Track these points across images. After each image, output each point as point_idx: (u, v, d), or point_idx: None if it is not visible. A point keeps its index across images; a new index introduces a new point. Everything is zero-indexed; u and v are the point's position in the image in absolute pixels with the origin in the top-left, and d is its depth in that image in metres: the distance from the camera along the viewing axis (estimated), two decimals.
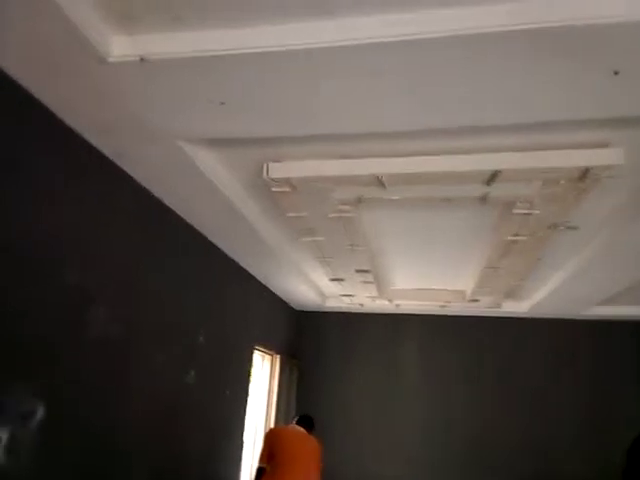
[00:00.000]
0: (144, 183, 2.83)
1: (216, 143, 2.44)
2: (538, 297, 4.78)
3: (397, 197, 2.68)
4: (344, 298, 5.36)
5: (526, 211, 2.71)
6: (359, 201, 2.79)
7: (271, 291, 5.35)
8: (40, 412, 2.13)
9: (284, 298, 5.74)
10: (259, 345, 4.97)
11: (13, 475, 1.98)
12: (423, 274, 4.59)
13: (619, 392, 5.25)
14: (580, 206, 2.67)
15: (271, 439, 3.63)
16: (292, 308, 6.17)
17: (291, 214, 3.04)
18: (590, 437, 5.14)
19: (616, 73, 1.71)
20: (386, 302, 5.34)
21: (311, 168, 2.52)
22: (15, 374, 2.01)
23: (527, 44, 1.58)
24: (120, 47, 1.75)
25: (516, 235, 3.08)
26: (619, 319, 5.27)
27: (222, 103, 1.97)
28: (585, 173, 2.26)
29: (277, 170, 2.57)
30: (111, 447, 2.58)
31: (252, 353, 4.79)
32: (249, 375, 4.70)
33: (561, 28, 1.51)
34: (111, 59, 1.74)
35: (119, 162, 2.58)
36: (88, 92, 1.97)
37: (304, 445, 3.62)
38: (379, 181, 2.51)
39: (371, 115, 2.05)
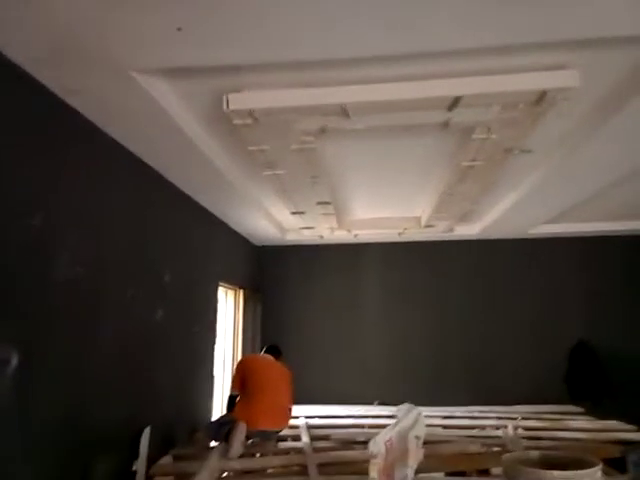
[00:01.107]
0: (98, 122, 2.69)
1: (173, 74, 2.31)
2: (489, 219, 5.02)
3: (361, 126, 2.67)
4: (304, 231, 5.42)
5: (484, 135, 2.78)
6: (322, 131, 2.76)
7: (232, 228, 5.33)
8: (14, 359, 2.11)
9: (244, 234, 5.74)
10: (223, 281, 5.02)
11: None
12: (382, 203, 4.69)
13: (562, 302, 5.74)
14: (535, 130, 2.76)
15: (242, 367, 3.77)
16: (253, 244, 6.19)
17: (252, 147, 2.97)
18: (537, 344, 5.65)
19: None
20: (345, 232, 5.45)
21: (274, 98, 2.44)
22: None
23: None
24: None
25: (473, 160, 3.17)
26: (564, 236, 5.65)
27: (179, 29, 1.86)
28: (542, 96, 2.32)
29: (238, 101, 2.47)
30: (90, 383, 2.63)
31: (217, 289, 4.84)
32: (215, 310, 4.77)
33: None
34: None
35: (71, 101, 2.42)
36: (34, 20, 1.80)
37: (274, 371, 3.80)
38: (343, 110, 2.48)
39: (332, 40, 2.00)
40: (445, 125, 2.64)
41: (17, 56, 2.04)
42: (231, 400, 3.70)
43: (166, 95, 2.48)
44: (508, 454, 2.70)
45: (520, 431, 3.79)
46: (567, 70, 2.26)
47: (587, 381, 5.37)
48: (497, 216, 4.78)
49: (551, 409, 4.96)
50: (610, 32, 1.98)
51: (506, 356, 5.69)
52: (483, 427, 4.12)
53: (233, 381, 3.78)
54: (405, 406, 2.89)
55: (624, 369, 5.30)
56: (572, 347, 5.55)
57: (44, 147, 2.32)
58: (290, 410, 3.79)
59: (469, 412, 4.85)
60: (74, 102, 2.47)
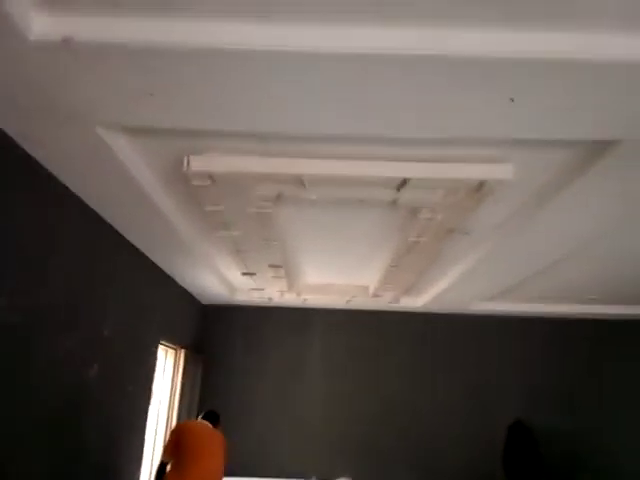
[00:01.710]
0: (51, 168, 2.68)
1: (136, 132, 2.38)
2: (432, 293, 5.21)
3: (315, 196, 2.81)
4: (253, 292, 5.42)
5: (429, 216, 2.98)
6: (278, 198, 2.87)
7: (178, 284, 5.24)
8: None
9: (192, 291, 5.65)
10: (164, 339, 4.86)
11: None
12: (332, 270, 4.80)
13: (498, 380, 5.90)
14: (476, 213, 2.99)
15: (177, 434, 3.59)
16: (199, 302, 6.08)
17: (209, 208, 3.04)
18: (474, 420, 5.72)
19: (512, 100, 1.98)
20: (294, 296, 5.48)
21: (234, 163, 2.55)
22: None
23: (442, 70, 1.78)
24: (43, 26, 1.66)
25: (419, 236, 3.36)
26: (504, 314, 5.91)
27: (151, 94, 1.95)
28: (481, 185, 2.55)
29: (198, 163, 2.56)
30: (12, 442, 2.44)
31: (157, 348, 4.67)
32: (153, 370, 4.58)
33: (468, 58, 1.73)
34: (32, 37, 1.66)
35: (28, 148, 2.42)
36: (4, 73, 1.85)
37: (210, 440, 3.64)
38: (299, 180, 2.62)
39: (287, 117, 2.14)
40: (393, 203, 2.82)
41: None
42: (161, 468, 3.49)
43: (127, 151, 2.53)
44: None
45: None
46: (502, 164, 2.51)
47: (523, 461, 5.43)
48: (439, 291, 4.99)
49: None
50: (541, 135, 2.24)
51: (443, 431, 5.71)
52: None
53: (165, 448, 3.58)
54: None
55: (559, 449, 5.43)
56: (509, 425, 5.65)
57: None
58: None
59: None
60: (31, 150, 2.48)
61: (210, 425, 3.75)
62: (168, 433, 3.78)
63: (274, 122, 2.19)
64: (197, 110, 2.11)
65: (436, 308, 5.82)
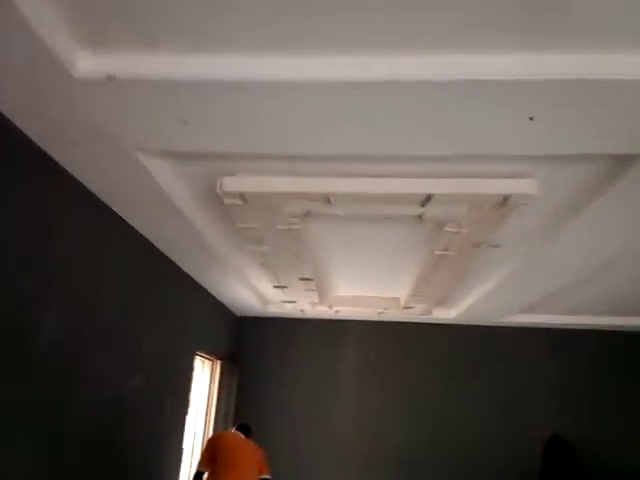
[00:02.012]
0: (97, 193, 2.90)
1: (172, 156, 2.55)
2: (464, 305, 5.19)
3: (342, 213, 2.90)
4: (286, 304, 5.53)
5: (455, 230, 3.02)
6: (307, 215, 2.98)
7: (214, 297, 5.42)
8: None
9: (226, 304, 5.82)
10: (200, 351, 5.02)
11: None
12: (363, 282, 4.86)
13: (533, 393, 5.79)
14: (503, 227, 3.01)
15: (212, 444, 3.72)
16: (234, 314, 6.25)
17: (241, 225, 3.18)
18: (509, 433, 5.62)
19: (531, 119, 2.02)
20: (326, 308, 5.56)
21: (264, 184, 2.68)
22: None
23: (465, 91, 1.85)
24: (87, 64, 1.83)
25: (445, 250, 3.39)
26: (538, 326, 5.81)
27: (185, 122, 2.10)
28: (505, 200, 2.58)
29: (230, 184, 2.70)
30: (58, 455, 2.61)
31: (193, 359, 4.83)
32: (190, 381, 4.74)
33: (489, 81, 1.79)
34: (77, 75, 1.83)
35: (73, 171, 2.62)
36: (53, 107, 2.04)
37: (244, 449, 3.74)
38: (327, 198, 2.72)
39: (318, 139, 2.26)
40: (418, 218, 2.88)
41: (36, 136, 2.27)
42: (197, 477, 3.61)
43: (164, 174, 2.70)
44: None
45: None
46: (526, 179, 2.54)
47: (562, 476, 5.30)
48: (471, 303, 4.96)
49: None
50: (565, 151, 2.27)
51: (477, 443, 5.62)
52: None
53: (202, 457, 3.71)
54: None
55: (598, 464, 5.27)
56: (547, 440, 5.52)
57: (41, 212, 2.46)
58: None
59: None
60: (77, 174, 2.68)
61: (243, 436, 3.86)
62: (205, 442, 3.90)
63: (301, 144, 2.31)
64: (229, 135, 2.25)
65: (469, 320, 5.78)
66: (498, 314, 5.46)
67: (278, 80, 1.84)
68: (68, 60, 1.80)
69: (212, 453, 3.60)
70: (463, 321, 5.83)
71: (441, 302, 5.16)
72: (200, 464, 3.66)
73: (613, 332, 5.75)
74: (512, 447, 5.54)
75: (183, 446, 4.55)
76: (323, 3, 1.58)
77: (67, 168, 2.61)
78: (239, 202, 2.81)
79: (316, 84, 1.84)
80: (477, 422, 5.73)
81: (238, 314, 6.33)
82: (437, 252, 3.41)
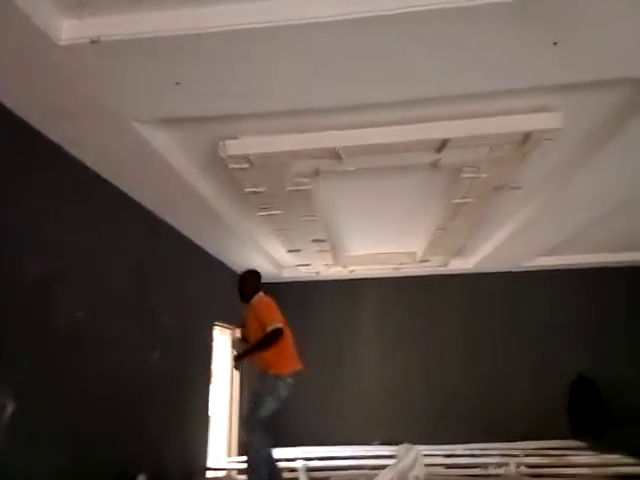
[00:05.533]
0: (101, 172, 2.80)
1: (170, 123, 2.40)
2: (483, 253, 5.07)
3: (353, 168, 2.75)
4: (300, 268, 5.46)
5: (473, 175, 2.86)
6: (316, 173, 2.84)
7: (228, 267, 5.35)
8: (10, 405, 2.11)
9: (241, 272, 5.74)
10: (219, 321, 5.00)
11: None
12: (377, 239, 4.75)
13: (559, 334, 5.73)
14: (522, 168, 2.85)
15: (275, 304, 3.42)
16: None
17: (248, 190, 3.05)
18: (536, 375, 5.61)
19: (555, 43, 1.84)
20: (341, 268, 5.48)
21: (268, 143, 2.53)
22: None
23: (485, 16, 1.67)
24: (71, 30, 1.69)
25: (464, 197, 3.25)
26: (560, 268, 5.69)
27: (177, 83, 1.95)
28: (527, 137, 2.41)
29: (234, 147, 2.56)
30: (87, 429, 2.61)
31: (212, 329, 4.82)
32: (211, 350, 4.74)
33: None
34: (62, 42, 1.68)
35: (73, 150, 2.51)
36: (42, 80, 1.89)
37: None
38: (335, 153, 2.57)
39: (324, 92, 2.10)
40: (434, 166, 2.72)
41: (27, 114, 2.13)
42: (275, 333, 3.19)
43: (164, 143, 2.56)
44: None
45: (522, 469, 3.73)
46: (551, 112, 2.35)
47: (589, 415, 5.31)
48: (491, 250, 4.84)
49: (553, 444, 4.89)
50: (590, 77, 2.08)
51: (506, 391, 5.62)
52: (485, 465, 4.04)
53: (276, 315, 3.33)
54: (404, 446, 2.86)
55: (625, 401, 5.25)
56: (573, 381, 5.51)
57: (50, 195, 2.39)
58: None
59: (470, 450, 4.77)
60: (78, 153, 2.55)
61: None
62: (266, 303, 3.50)
63: (304, 97, 2.15)
64: (227, 95, 2.09)
65: (488, 268, 5.67)
66: (520, 259, 5.33)
67: (276, 25, 1.67)
68: (51, 28, 1.66)
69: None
70: (482, 269, 5.72)
71: (458, 252, 5.04)
72: (278, 320, 3.34)
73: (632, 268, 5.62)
74: (540, 389, 5.52)
75: (209, 414, 4.60)
76: None
77: (71, 151, 2.51)
78: (245, 165, 2.67)
79: (308, 26, 1.67)
80: (503, 366, 5.69)
81: None
82: (454, 201, 3.26)
